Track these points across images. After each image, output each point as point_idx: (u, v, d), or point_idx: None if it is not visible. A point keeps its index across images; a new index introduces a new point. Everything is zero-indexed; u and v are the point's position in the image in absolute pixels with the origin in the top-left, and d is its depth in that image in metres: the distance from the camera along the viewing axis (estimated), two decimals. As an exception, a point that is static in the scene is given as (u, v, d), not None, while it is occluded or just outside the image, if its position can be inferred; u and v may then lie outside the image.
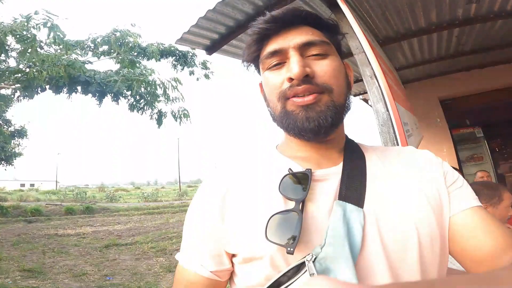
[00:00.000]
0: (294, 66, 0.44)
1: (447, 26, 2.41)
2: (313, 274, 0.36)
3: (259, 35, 0.49)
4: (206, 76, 8.05)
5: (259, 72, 0.54)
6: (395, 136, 1.44)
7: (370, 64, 1.45)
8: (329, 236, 0.39)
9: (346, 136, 0.56)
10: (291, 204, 0.42)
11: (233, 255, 0.47)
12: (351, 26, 1.44)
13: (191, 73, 8.01)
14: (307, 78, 0.45)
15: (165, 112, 7.71)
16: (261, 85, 0.54)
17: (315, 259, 0.38)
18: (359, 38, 1.47)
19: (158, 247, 6.51)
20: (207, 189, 0.52)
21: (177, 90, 7.20)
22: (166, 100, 7.42)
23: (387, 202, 0.45)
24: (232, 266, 0.48)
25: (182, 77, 8.86)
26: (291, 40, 0.47)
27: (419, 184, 0.47)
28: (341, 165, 0.49)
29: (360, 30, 1.40)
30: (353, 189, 0.45)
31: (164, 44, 7.51)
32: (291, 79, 0.45)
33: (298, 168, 0.48)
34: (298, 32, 0.47)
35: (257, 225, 0.43)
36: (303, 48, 0.47)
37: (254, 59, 0.53)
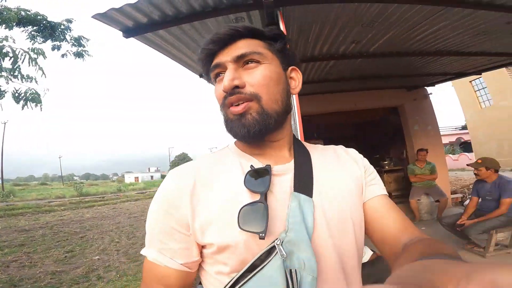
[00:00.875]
0: (224, 79, 0.50)
1: (329, 57, 3.26)
2: (283, 255, 0.43)
3: (207, 52, 0.54)
4: (79, 55, 6.74)
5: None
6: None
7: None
8: (290, 223, 0.47)
9: (294, 136, 0.62)
10: (256, 196, 0.48)
11: (203, 246, 0.50)
12: None
13: (56, 47, 6.51)
14: (237, 89, 0.50)
15: (4, 90, 5.83)
16: None
17: (282, 242, 0.45)
18: None
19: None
20: (173, 184, 0.52)
21: (37, 64, 5.68)
22: (10, 76, 5.66)
23: (329, 192, 0.54)
24: (201, 257, 0.51)
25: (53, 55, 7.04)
26: (229, 55, 0.52)
27: (351, 178, 0.58)
28: (292, 162, 0.56)
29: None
30: (303, 182, 0.52)
31: (30, 11, 5.86)
32: (224, 92, 0.51)
33: (258, 164, 0.53)
34: (236, 46, 0.52)
35: (229, 216, 0.47)
36: (238, 61, 0.51)
37: (207, 74, 0.57)
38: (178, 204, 0.49)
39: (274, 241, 0.45)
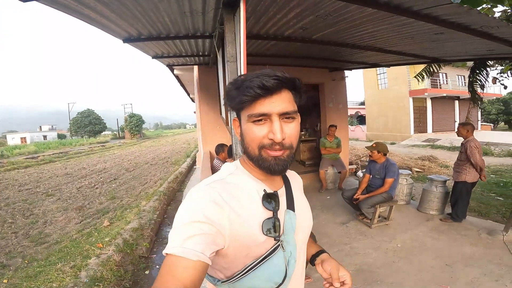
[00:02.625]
0: (277, 132, 0.62)
1: (272, 38, 3.28)
2: (284, 249, 0.66)
3: (251, 97, 0.62)
4: None
5: (236, 112, 0.70)
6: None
7: (238, 74, 1.71)
8: (285, 229, 0.69)
9: None
10: (270, 212, 0.67)
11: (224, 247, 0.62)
12: (239, 34, 1.63)
13: None
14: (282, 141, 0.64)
15: None
16: (236, 121, 0.72)
17: (282, 241, 0.67)
18: (240, 49, 1.68)
19: None
20: (209, 199, 0.62)
21: None
22: None
23: (300, 207, 0.76)
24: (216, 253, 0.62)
25: None
26: (275, 107, 0.62)
27: (304, 197, 0.85)
28: (283, 187, 0.76)
29: (244, 41, 1.59)
30: (290, 202, 0.74)
31: None
32: (272, 140, 0.63)
33: (267, 189, 0.70)
34: (280, 98, 0.63)
35: (253, 225, 0.64)
36: (282, 115, 0.64)
37: (239, 108, 0.67)
38: (219, 219, 0.60)
39: (279, 240, 0.66)
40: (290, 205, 0.74)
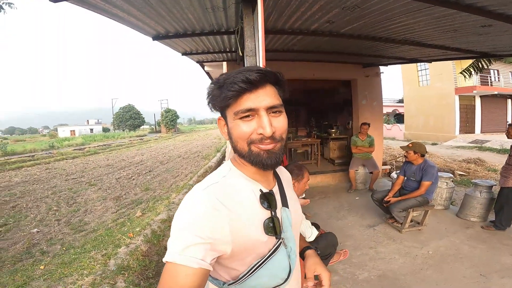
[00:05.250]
0: (266, 127, 0.62)
1: (298, 32, 3.22)
2: (286, 246, 0.69)
3: (235, 92, 0.61)
4: None
5: (221, 111, 0.69)
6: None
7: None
8: (284, 226, 0.71)
9: None
10: (268, 212, 0.68)
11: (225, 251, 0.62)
12: (257, 28, 1.65)
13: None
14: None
15: None
16: (221, 121, 0.71)
17: (283, 239, 0.70)
18: (258, 44, 1.71)
19: None
20: (208, 204, 0.61)
21: None
22: None
23: (292, 203, 0.79)
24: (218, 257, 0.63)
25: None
26: (261, 101, 0.62)
27: (294, 192, 0.88)
28: (276, 185, 0.77)
29: (262, 35, 1.61)
30: (284, 199, 0.76)
31: None
32: (262, 134, 0.63)
33: (263, 188, 0.71)
34: (265, 92, 0.63)
35: (254, 227, 0.65)
36: (268, 109, 0.63)
37: (224, 106, 0.66)
38: (219, 224, 0.60)
39: (281, 238, 0.68)
40: (284, 202, 0.76)
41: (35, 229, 4.41)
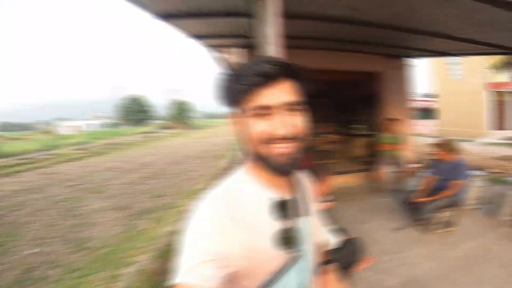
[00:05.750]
0: (282, 126, 0.58)
1: (322, 19, 3.15)
2: (299, 260, 0.67)
3: (250, 86, 0.58)
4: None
5: (231, 106, 0.65)
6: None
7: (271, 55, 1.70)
8: (300, 238, 0.68)
9: None
10: (283, 222, 0.65)
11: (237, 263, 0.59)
12: (275, 13, 1.67)
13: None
14: None
15: None
16: (230, 116, 0.66)
17: (301, 251, 0.67)
18: (276, 30, 1.73)
19: None
20: (214, 219, 0.59)
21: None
22: None
23: (311, 212, 0.76)
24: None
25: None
26: (278, 97, 0.58)
27: (312, 198, 0.82)
28: (293, 191, 0.72)
29: (280, 20, 1.58)
30: (301, 207, 0.72)
31: None
32: (277, 134, 0.59)
33: (276, 196, 0.66)
34: (283, 88, 0.59)
35: (266, 238, 0.62)
36: (286, 106, 0.59)
37: (236, 101, 0.62)
38: (226, 241, 0.58)
39: (295, 252, 0.65)
40: (302, 211, 0.72)
41: (37, 249, 3.92)
